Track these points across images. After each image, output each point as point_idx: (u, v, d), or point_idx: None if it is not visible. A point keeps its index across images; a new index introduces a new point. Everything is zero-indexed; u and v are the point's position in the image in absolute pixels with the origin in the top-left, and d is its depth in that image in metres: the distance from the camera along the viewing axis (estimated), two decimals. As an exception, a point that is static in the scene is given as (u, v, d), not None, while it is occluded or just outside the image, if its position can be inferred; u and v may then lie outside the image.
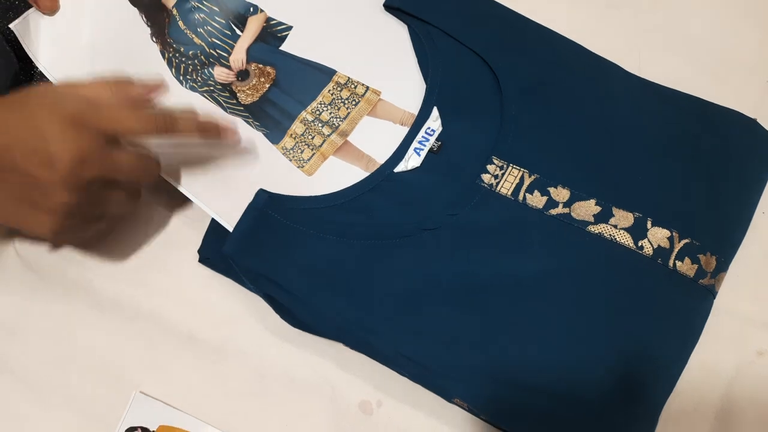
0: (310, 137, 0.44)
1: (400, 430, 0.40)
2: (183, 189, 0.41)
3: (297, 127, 0.44)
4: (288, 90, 0.45)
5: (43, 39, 0.44)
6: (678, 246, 0.38)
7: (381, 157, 0.43)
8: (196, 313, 0.43)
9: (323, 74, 0.45)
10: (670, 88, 0.43)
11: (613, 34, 0.45)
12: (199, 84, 0.45)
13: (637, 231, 0.38)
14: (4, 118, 0.35)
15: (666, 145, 0.41)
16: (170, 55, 0.45)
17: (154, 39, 0.45)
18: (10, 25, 0.43)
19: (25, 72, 0.45)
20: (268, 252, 0.38)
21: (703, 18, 0.46)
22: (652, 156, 0.40)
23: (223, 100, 0.45)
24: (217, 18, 0.46)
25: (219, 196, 0.41)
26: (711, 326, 0.39)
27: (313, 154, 0.43)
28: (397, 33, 0.46)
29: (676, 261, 0.38)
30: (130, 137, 0.39)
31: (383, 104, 0.44)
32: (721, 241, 0.39)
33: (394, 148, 0.43)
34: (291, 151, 0.43)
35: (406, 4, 0.45)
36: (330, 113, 0.44)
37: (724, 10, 0.46)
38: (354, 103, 0.45)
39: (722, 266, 0.39)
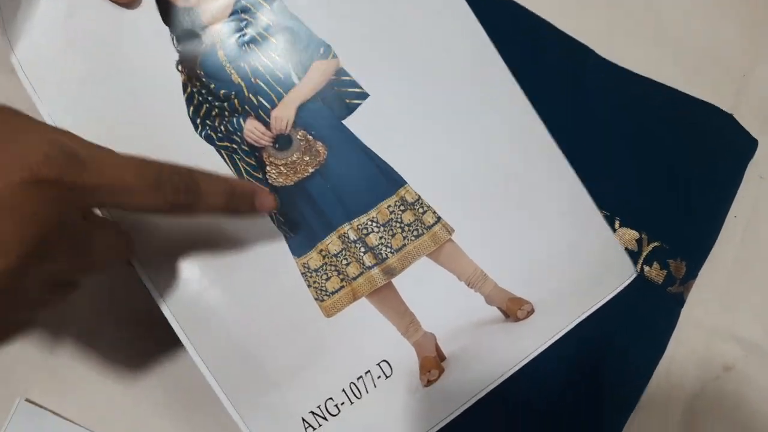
0: (344, 262, 0.32)
1: None
2: (145, 280, 0.29)
3: (332, 242, 0.32)
4: (336, 186, 0.33)
5: (31, 27, 0.30)
6: (647, 249, 0.37)
7: (427, 323, 0.32)
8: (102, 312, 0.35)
9: (387, 181, 0.33)
10: (644, 76, 0.39)
11: (585, 16, 0.41)
12: (219, 135, 0.32)
13: None
14: None
15: (638, 138, 0.38)
16: (194, 89, 0.32)
17: (179, 68, 0.32)
18: None
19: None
20: None
21: (680, 6, 0.42)
22: (622, 149, 0.38)
23: (244, 168, 0.32)
24: (271, 53, 0.33)
25: (189, 298, 0.30)
26: (677, 337, 0.37)
27: (341, 288, 0.32)
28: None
29: (644, 266, 0.37)
30: (123, 210, 0.24)
31: (452, 248, 0.33)
32: (692, 245, 0.38)
33: (449, 318, 0.32)
34: (314, 274, 0.32)
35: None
36: (380, 237, 0.32)
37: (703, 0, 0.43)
38: (415, 234, 0.33)
39: (691, 273, 0.38)
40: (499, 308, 0.33)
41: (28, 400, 0.34)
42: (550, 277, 0.33)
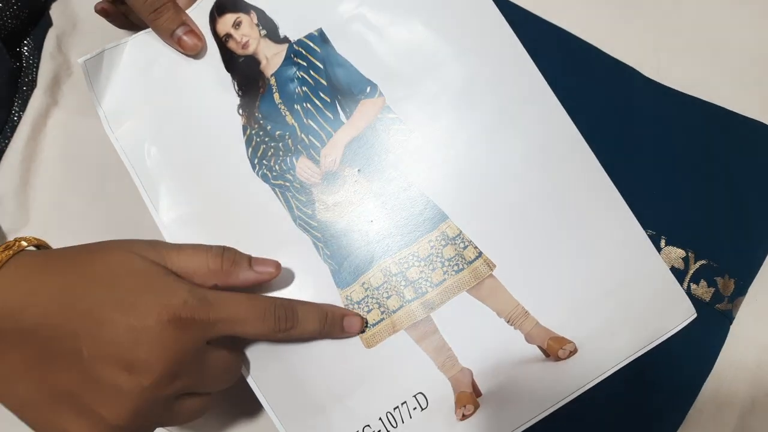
0: (385, 295, 0.33)
1: None
2: None
3: (374, 276, 0.34)
4: (379, 221, 0.34)
5: (113, 84, 0.34)
6: (693, 267, 0.37)
7: (465, 358, 0.32)
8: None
9: (429, 216, 0.34)
10: (691, 95, 0.39)
11: (630, 36, 0.41)
12: (274, 174, 0.35)
13: None
14: (76, 287, 0.26)
15: (685, 158, 0.38)
16: (253, 131, 0.35)
17: (240, 111, 0.35)
18: (80, 60, 0.33)
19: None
20: None
21: (728, 20, 0.41)
22: (669, 169, 0.38)
23: (296, 205, 0.35)
24: (321, 94, 0.35)
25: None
26: (727, 354, 0.37)
27: (382, 320, 0.33)
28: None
29: (691, 283, 0.36)
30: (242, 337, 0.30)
31: (493, 284, 0.33)
32: (741, 262, 0.37)
33: (486, 355, 0.32)
34: (356, 306, 0.33)
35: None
36: (421, 272, 0.33)
37: (751, 10, 0.41)
38: (456, 269, 0.33)
39: (741, 290, 0.37)
40: (540, 347, 0.32)
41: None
42: (596, 315, 0.32)
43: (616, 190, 0.34)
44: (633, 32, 0.41)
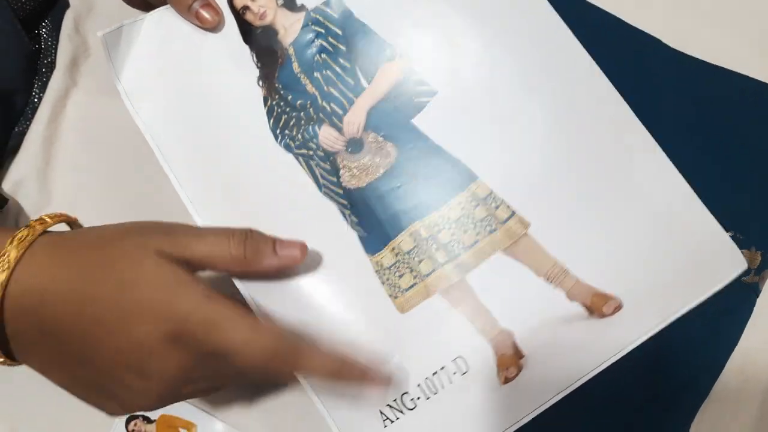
0: (416, 260, 0.32)
1: None
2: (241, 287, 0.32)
3: (404, 240, 0.33)
4: (406, 185, 0.33)
5: (131, 58, 0.34)
6: None
7: (504, 320, 0.31)
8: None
9: (457, 177, 0.33)
10: (716, 65, 0.39)
11: (654, 6, 0.41)
12: (297, 143, 0.34)
13: None
14: (86, 289, 0.26)
15: (710, 128, 0.38)
16: (273, 102, 0.34)
17: (260, 83, 0.34)
18: (99, 33, 0.33)
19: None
20: None
21: None
22: (694, 139, 0.37)
23: (320, 173, 0.34)
24: (341, 60, 0.34)
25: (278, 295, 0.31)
26: (753, 327, 0.36)
27: (414, 284, 0.32)
28: None
29: None
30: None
31: (529, 243, 0.32)
32: None
33: (527, 315, 0.31)
34: (387, 271, 0.32)
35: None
36: (452, 234, 0.32)
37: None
38: (488, 229, 0.32)
39: None
40: (583, 304, 0.31)
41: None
42: (640, 270, 0.31)
43: (653, 140, 0.33)
44: (655, 4, 0.40)
